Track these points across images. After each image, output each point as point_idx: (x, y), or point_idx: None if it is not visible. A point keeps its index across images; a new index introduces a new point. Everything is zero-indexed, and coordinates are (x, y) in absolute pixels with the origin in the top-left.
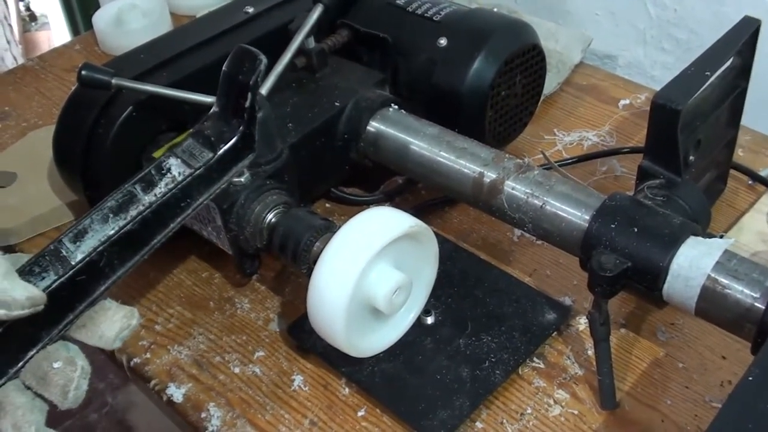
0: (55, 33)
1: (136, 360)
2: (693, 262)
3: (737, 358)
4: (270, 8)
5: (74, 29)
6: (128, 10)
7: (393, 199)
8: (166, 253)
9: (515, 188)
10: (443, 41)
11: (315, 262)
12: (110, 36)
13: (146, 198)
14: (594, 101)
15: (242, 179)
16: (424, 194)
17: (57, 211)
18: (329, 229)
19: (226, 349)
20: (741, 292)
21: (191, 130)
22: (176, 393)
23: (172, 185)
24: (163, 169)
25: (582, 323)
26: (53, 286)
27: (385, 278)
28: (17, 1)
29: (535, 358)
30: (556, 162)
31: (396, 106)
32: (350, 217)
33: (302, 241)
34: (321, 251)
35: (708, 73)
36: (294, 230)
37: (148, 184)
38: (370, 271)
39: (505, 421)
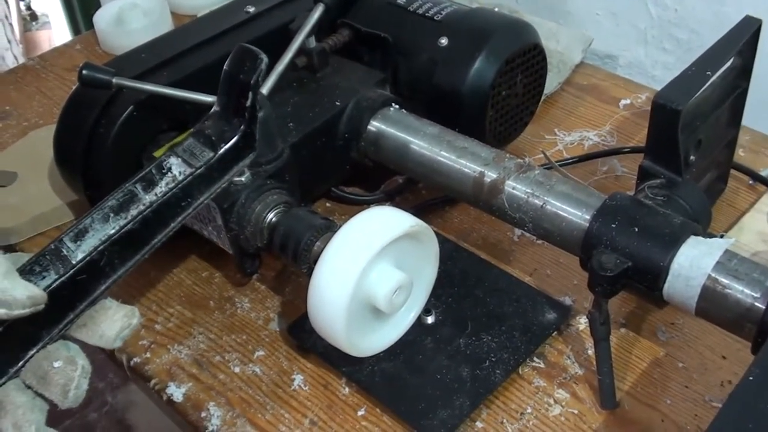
0: (56, 32)
1: (136, 359)
2: (693, 262)
3: (737, 358)
4: (271, 8)
5: (75, 29)
6: (129, 10)
7: (393, 198)
8: (167, 252)
9: (516, 188)
10: (444, 41)
11: (315, 261)
12: (111, 35)
13: (147, 197)
14: (595, 101)
15: (243, 179)
16: (425, 194)
17: (57, 211)
18: (330, 228)
19: (227, 349)
20: (741, 291)
21: (192, 130)
22: (176, 392)
23: (173, 184)
24: (163, 169)
25: (582, 323)
26: (54, 285)
27: (385, 278)
28: (18, 1)
29: (535, 358)
30: (556, 162)
31: (397, 106)
32: (351, 216)
33: (303, 241)
34: (321, 251)
35: (709, 73)
36: (294, 230)
37: (149, 184)
38: (371, 271)
39: (505, 420)
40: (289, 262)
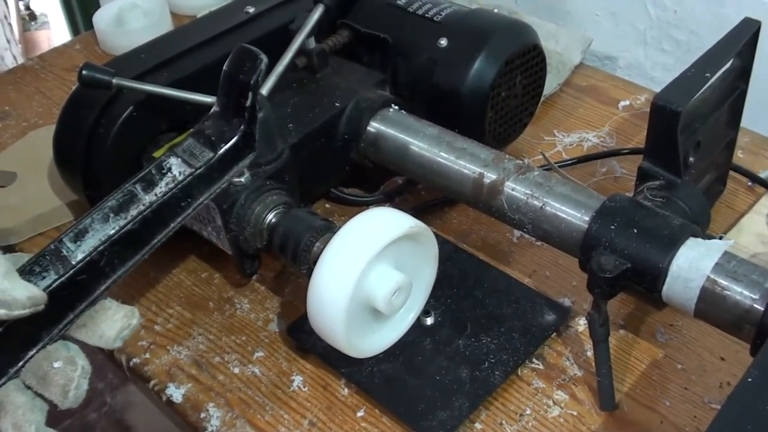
0: (55, 32)
1: (136, 360)
2: (692, 264)
3: (736, 360)
4: (270, 8)
5: (74, 29)
6: (129, 10)
7: (393, 199)
8: (166, 253)
9: (515, 189)
10: (444, 42)
11: (315, 262)
12: (111, 36)
13: (147, 197)
14: (594, 102)
15: (242, 179)
16: (424, 195)
17: (57, 211)
18: (329, 229)
19: (226, 350)
20: (740, 293)
21: (192, 130)
22: (176, 393)
23: (173, 185)
24: (163, 169)
25: (581, 324)
26: (54, 285)
27: (384, 279)
28: (17, 1)
29: (534, 359)
30: (555, 163)
31: (396, 107)
32: (350, 217)
33: (302, 242)
34: (321, 252)
35: (708, 74)
36: (294, 230)
37: (149, 184)
38: (370, 272)
39: (504, 422)
40: (289, 263)
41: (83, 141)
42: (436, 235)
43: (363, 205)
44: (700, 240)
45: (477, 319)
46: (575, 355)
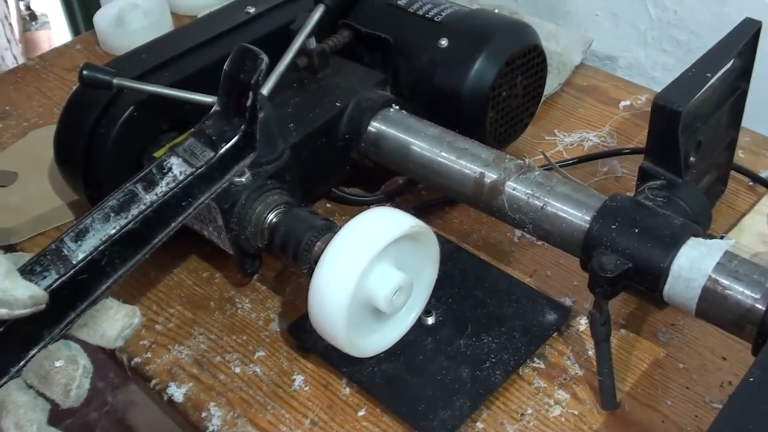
0: (56, 32)
1: (137, 359)
2: (694, 263)
3: (738, 359)
4: (271, 8)
5: (75, 29)
6: (129, 10)
7: (394, 199)
8: (167, 252)
9: (516, 189)
10: (444, 42)
11: (316, 262)
12: (111, 36)
13: (147, 197)
14: (594, 102)
15: (243, 179)
16: (425, 194)
17: (58, 211)
18: (330, 229)
19: (227, 349)
20: (741, 293)
21: (192, 130)
22: (177, 392)
23: (174, 184)
24: (164, 168)
25: (582, 324)
26: (55, 285)
27: (386, 278)
28: (17, 1)
29: (535, 359)
30: (556, 163)
31: (397, 107)
32: (351, 217)
33: (303, 241)
34: (322, 251)
35: (709, 74)
36: (295, 230)
37: (150, 183)
38: (371, 272)
39: (505, 421)
40: (290, 262)
41: (84, 141)
42: (437, 235)
43: (364, 205)
44: (701, 240)
45: (478, 318)
46: (576, 354)
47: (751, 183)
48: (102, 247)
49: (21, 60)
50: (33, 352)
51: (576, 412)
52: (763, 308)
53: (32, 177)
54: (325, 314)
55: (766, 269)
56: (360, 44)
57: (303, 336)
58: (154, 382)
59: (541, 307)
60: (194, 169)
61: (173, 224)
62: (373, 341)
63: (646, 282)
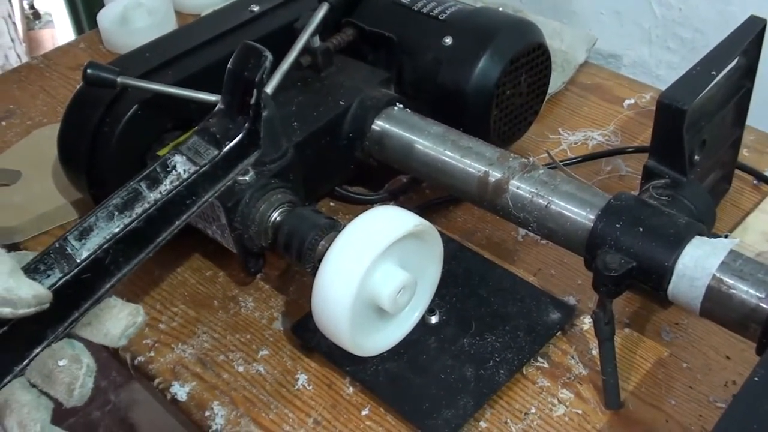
0: (59, 31)
1: (140, 358)
2: (698, 262)
3: (742, 359)
4: (275, 7)
5: (78, 27)
6: (133, 9)
7: (397, 198)
8: (171, 251)
9: (520, 187)
10: (448, 40)
11: (320, 261)
12: (115, 34)
13: (151, 195)
14: (599, 100)
15: (247, 178)
16: (429, 193)
17: (61, 210)
18: (334, 228)
19: (230, 348)
20: (746, 292)
21: (196, 128)
22: (180, 391)
23: (178, 183)
24: (168, 167)
25: (586, 323)
26: (59, 284)
27: (389, 277)
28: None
29: (539, 358)
30: (560, 161)
31: (401, 105)
32: (355, 215)
33: (307, 240)
34: (326, 250)
35: (714, 72)
36: (299, 229)
37: (154, 182)
38: (375, 271)
39: (509, 420)
40: (294, 261)
41: (88, 139)
42: (441, 234)
43: (367, 204)
44: (705, 239)
45: (482, 317)
46: (580, 353)
47: (755, 181)
48: (106, 245)
49: (25, 59)
50: (37, 351)
51: (580, 412)
52: None
53: (36, 175)
54: (328, 313)
55: None
56: (364, 43)
57: (306, 335)
58: (157, 380)
59: (545, 306)
60: (198, 168)
61: (177, 223)
62: (376, 340)
63: (651, 281)
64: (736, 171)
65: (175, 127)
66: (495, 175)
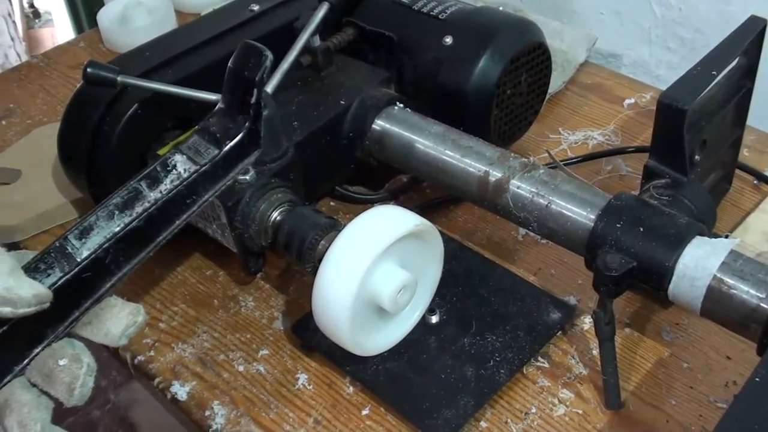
0: (59, 30)
1: (140, 357)
2: (699, 262)
3: (742, 359)
4: (275, 6)
5: (78, 26)
6: (133, 8)
7: (398, 197)
8: (171, 250)
9: (520, 187)
10: (449, 40)
11: (320, 260)
12: (115, 33)
13: (152, 195)
14: (599, 100)
15: (247, 177)
16: (429, 193)
17: (61, 209)
18: (334, 227)
19: (231, 348)
20: (747, 292)
21: (197, 127)
22: (180, 391)
23: (178, 182)
24: (168, 166)
25: (587, 323)
26: (59, 283)
27: (390, 277)
28: None
29: (539, 358)
30: (561, 161)
31: (401, 105)
32: (355, 215)
33: (307, 240)
34: (326, 250)
35: (714, 72)
36: (299, 228)
37: (154, 181)
38: (375, 270)
39: (509, 420)
40: (294, 260)
41: (88, 138)
42: (442, 234)
43: (368, 203)
44: (706, 239)
45: (482, 317)
46: (581, 353)
47: (755, 181)
48: (106, 245)
49: (24, 58)
50: (37, 350)
51: (580, 412)
52: None
53: (36, 174)
54: (329, 313)
55: None
56: (364, 42)
57: (307, 334)
58: (157, 380)
59: (546, 305)
60: (198, 167)
61: (177, 222)
62: (377, 340)
63: (651, 281)
64: (737, 171)
65: (176, 126)
66: (495, 174)
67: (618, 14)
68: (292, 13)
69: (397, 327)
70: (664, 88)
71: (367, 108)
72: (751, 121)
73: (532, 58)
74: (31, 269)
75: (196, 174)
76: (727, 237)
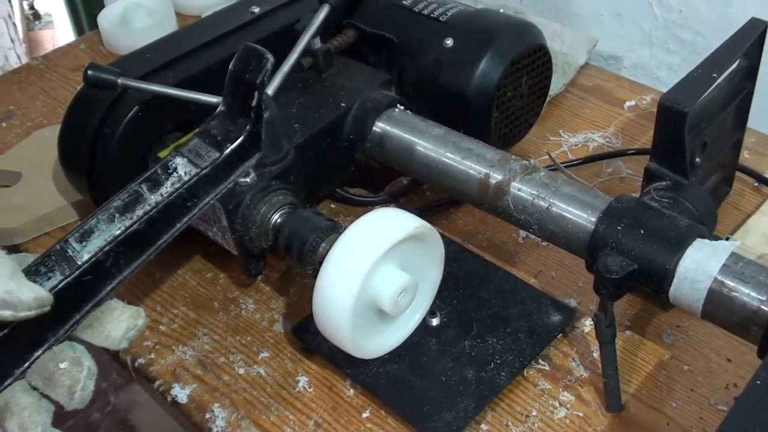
0: (59, 32)
1: (141, 360)
2: (699, 265)
3: (743, 361)
4: (276, 8)
5: (78, 28)
6: (133, 10)
7: (398, 199)
8: (172, 253)
9: (521, 189)
10: (449, 42)
11: (320, 263)
12: (115, 35)
13: (152, 197)
14: (599, 102)
15: (248, 179)
16: (429, 195)
17: (62, 211)
18: (335, 230)
19: (231, 350)
20: (747, 294)
21: (197, 130)
22: (181, 393)
23: (179, 185)
24: (169, 169)
25: (587, 325)
26: (59, 286)
27: (390, 279)
28: (21, 0)
29: (540, 360)
30: (561, 163)
31: (402, 107)
32: (355, 217)
33: (308, 242)
34: (327, 252)
35: (715, 75)
36: (299, 231)
37: (155, 184)
38: (376, 273)
39: (510, 423)
40: (294, 263)
41: (88, 141)
42: (442, 236)
43: (368, 206)
44: (707, 241)
45: (483, 319)
46: (581, 356)
47: (756, 184)
48: (107, 248)
49: (25, 60)
50: (37, 353)
51: (581, 414)
52: None
53: (36, 177)
54: (329, 315)
55: None
56: (365, 44)
57: (307, 337)
58: (157, 383)
59: (546, 308)
60: (199, 170)
61: (178, 225)
62: (377, 342)
63: (652, 283)
64: (737, 173)
65: (176, 128)
66: (496, 177)
67: (618, 16)
68: (292, 15)
69: (398, 329)
70: (664, 90)
71: (368, 110)
72: (751, 123)
73: (532, 60)
74: (32, 272)
75: (196, 177)
76: (727, 239)
